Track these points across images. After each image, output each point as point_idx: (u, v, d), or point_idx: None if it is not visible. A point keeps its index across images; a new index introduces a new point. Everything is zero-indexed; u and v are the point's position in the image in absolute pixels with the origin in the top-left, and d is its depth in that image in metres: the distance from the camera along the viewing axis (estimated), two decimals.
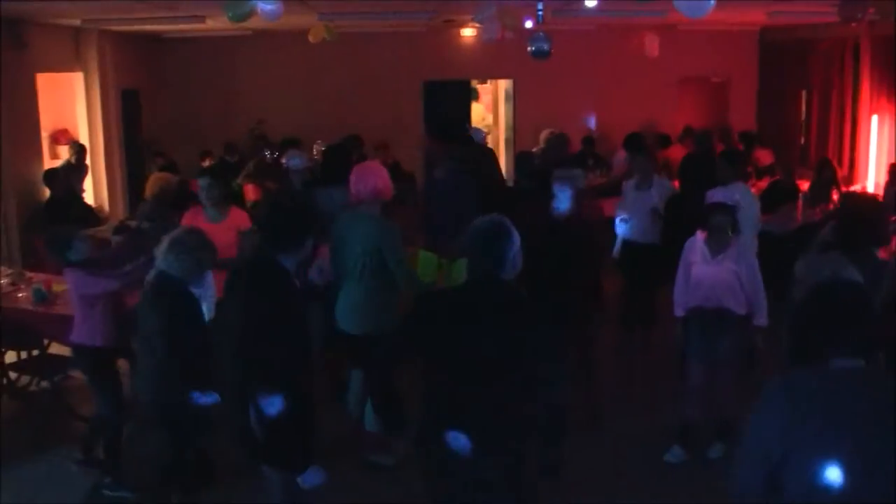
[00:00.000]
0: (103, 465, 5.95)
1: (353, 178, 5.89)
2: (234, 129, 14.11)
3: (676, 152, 12.49)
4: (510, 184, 10.87)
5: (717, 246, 5.79)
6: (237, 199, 9.94)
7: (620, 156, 11.71)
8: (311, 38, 10.70)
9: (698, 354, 5.99)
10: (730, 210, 5.79)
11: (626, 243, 8.09)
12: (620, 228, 8.01)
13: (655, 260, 8.08)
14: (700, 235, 5.91)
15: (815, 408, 2.63)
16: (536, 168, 8.51)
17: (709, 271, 5.80)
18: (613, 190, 9.45)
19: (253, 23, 8.13)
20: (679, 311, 6.07)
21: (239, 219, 6.86)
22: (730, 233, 5.76)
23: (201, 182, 6.91)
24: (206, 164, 12.36)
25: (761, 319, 5.79)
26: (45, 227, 9.52)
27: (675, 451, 6.15)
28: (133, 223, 7.32)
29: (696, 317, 5.95)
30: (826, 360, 2.71)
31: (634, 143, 10.56)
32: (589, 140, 13.63)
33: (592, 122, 15.05)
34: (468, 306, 3.67)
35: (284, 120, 14.03)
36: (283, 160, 9.16)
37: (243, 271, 4.55)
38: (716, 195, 6.88)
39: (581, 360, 6.51)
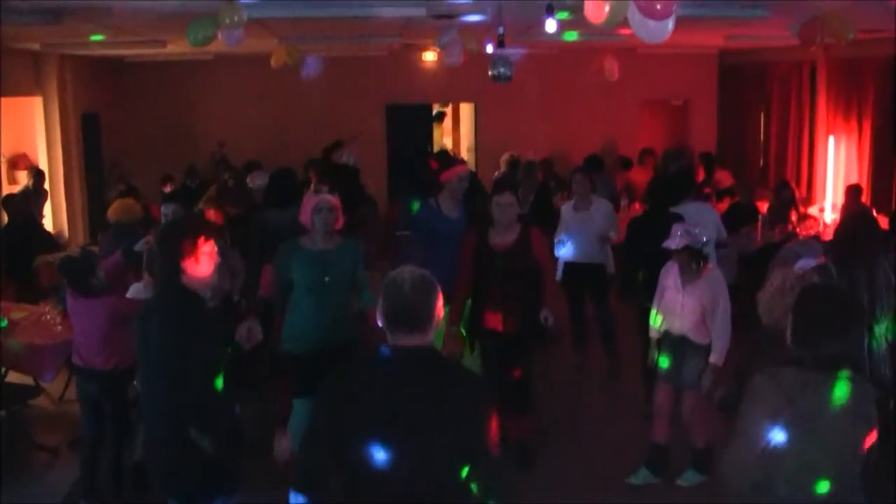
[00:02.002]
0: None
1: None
2: (196, 152, 14.04)
3: (637, 174, 12.60)
4: None
5: (686, 277, 5.80)
6: None
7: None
8: (273, 63, 10.67)
9: (665, 375, 6.00)
10: (681, 250, 5.71)
11: (570, 265, 8.13)
12: (559, 251, 8.05)
13: (602, 280, 8.18)
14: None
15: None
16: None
17: (678, 300, 5.82)
18: None
19: (214, 46, 8.08)
20: (653, 333, 6.08)
21: None
22: (694, 266, 5.74)
23: (164, 209, 6.82)
24: (168, 188, 12.27)
25: (715, 356, 5.69)
26: (4, 255, 9.42)
27: (642, 472, 6.10)
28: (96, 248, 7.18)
29: (664, 340, 6.00)
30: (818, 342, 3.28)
31: (593, 164, 10.70)
32: (548, 162, 13.70)
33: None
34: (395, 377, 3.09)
35: (246, 144, 14.02)
36: (249, 182, 9.17)
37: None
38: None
39: (519, 384, 6.31)
